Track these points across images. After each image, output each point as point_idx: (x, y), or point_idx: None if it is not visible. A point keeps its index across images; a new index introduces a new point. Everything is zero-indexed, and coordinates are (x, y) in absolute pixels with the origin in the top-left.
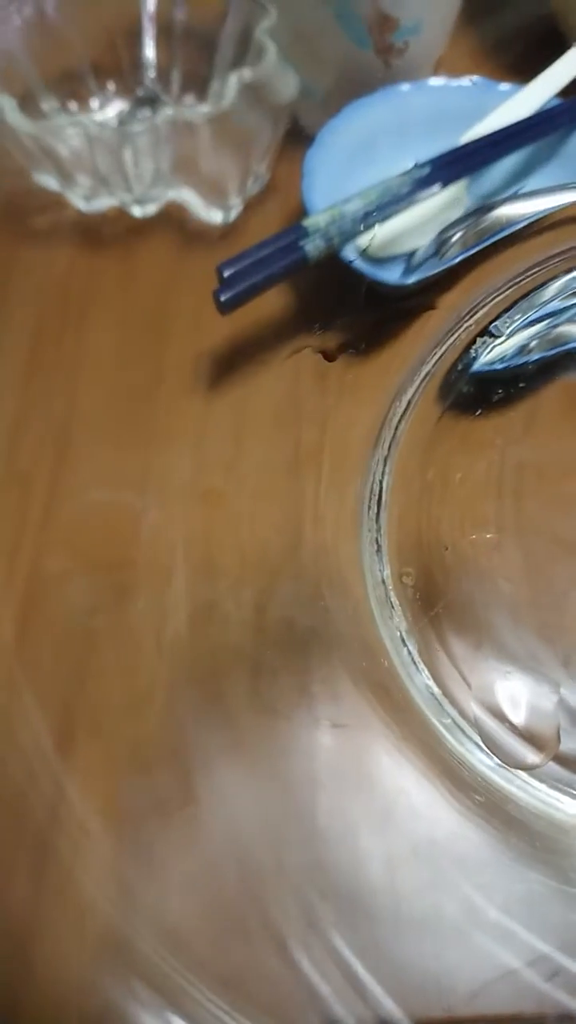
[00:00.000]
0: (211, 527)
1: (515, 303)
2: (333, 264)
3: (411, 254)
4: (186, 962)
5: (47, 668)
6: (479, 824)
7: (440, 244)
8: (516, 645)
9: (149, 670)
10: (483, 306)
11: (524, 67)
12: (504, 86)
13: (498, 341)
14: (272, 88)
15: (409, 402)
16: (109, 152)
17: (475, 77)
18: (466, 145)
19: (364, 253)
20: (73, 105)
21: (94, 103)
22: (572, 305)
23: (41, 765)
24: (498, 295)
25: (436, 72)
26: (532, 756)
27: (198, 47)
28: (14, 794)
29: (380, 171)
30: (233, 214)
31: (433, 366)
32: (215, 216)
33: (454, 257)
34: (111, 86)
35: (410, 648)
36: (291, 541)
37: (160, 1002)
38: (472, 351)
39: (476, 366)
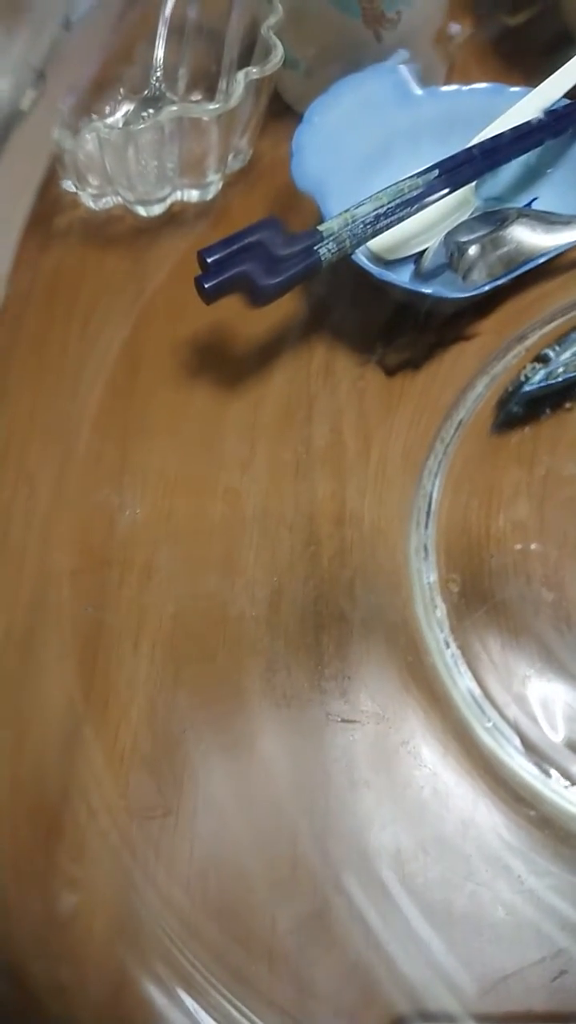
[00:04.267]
0: (228, 523)
1: (566, 334)
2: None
3: (419, 255)
4: (197, 948)
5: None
6: (513, 820)
7: (451, 249)
8: (559, 652)
9: (154, 661)
10: (532, 333)
11: (535, 70)
12: (515, 89)
13: (549, 367)
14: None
15: (461, 421)
16: (115, 152)
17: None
18: (476, 146)
19: (372, 256)
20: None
21: (106, 108)
22: None
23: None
24: (547, 324)
25: (448, 81)
26: (568, 760)
27: (205, 45)
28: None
29: (375, 156)
30: (212, 191)
31: (485, 388)
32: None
33: (486, 284)
34: (121, 90)
35: (454, 650)
36: (306, 538)
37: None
38: (522, 375)
39: (527, 387)
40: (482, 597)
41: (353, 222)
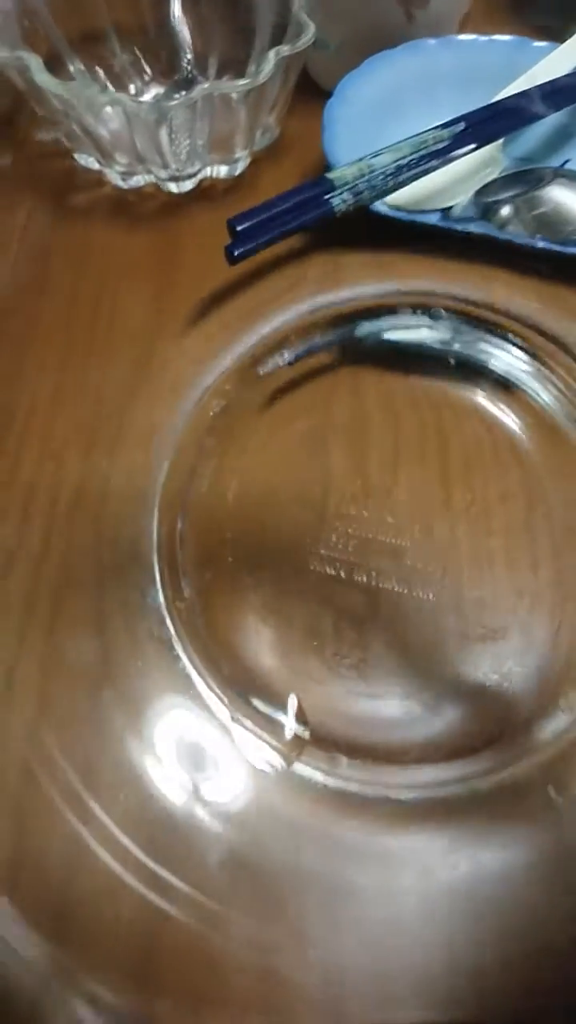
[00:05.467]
0: None
1: None
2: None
3: (445, 210)
4: None
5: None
6: None
7: (483, 208)
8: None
9: None
10: None
11: (551, 27)
12: (540, 43)
13: None
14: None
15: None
16: (146, 129)
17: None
18: (503, 101)
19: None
20: (99, 70)
21: (132, 88)
22: None
23: None
24: None
25: (462, 31)
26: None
27: (235, 30)
28: None
29: (407, 128)
30: (240, 167)
31: None
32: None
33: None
34: (148, 72)
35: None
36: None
37: None
38: None
39: None
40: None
41: (371, 172)
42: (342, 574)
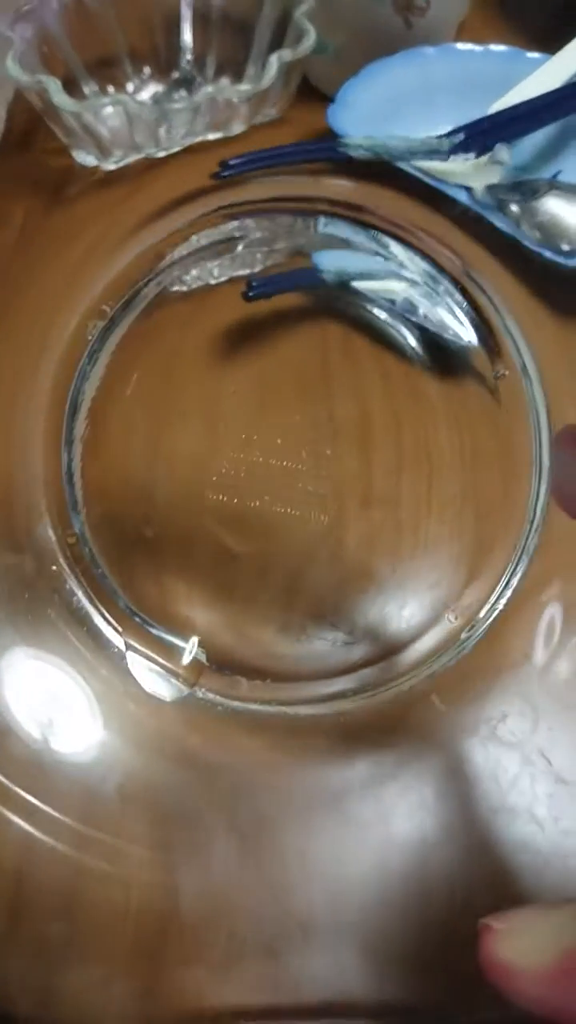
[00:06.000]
0: None
1: None
2: None
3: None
4: None
5: None
6: None
7: (497, 202)
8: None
9: None
10: None
11: (546, 37)
12: (533, 55)
13: None
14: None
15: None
16: (147, 128)
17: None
18: (500, 113)
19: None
20: (111, 88)
21: (130, 86)
22: None
23: None
24: None
25: (459, 38)
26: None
27: (234, 31)
28: None
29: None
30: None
31: None
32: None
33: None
34: (147, 70)
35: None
36: None
37: None
38: None
39: None
40: None
41: (385, 148)
42: (235, 500)
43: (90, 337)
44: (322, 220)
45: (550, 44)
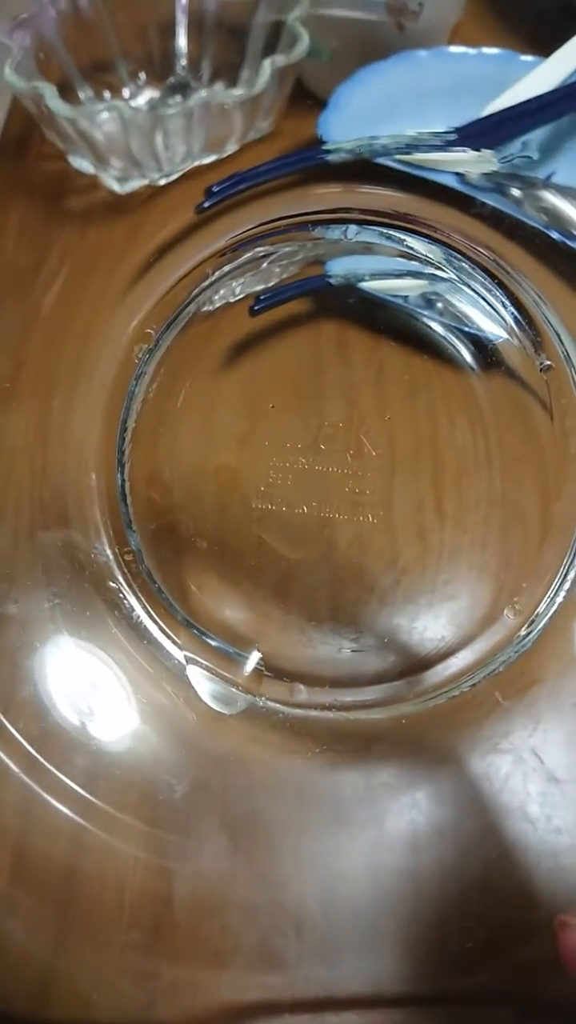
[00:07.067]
0: None
1: None
2: None
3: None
4: None
5: None
6: None
7: (496, 186)
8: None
9: None
10: None
11: (540, 39)
12: (527, 57)
13: None
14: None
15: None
16: (142, 135)
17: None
18: (491, 116)
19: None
20: (107, 94)
21: (126, 92)
22: None
23: None
24: None
25: (452, 41)
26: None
27: (228, 37)
28: None
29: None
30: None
31: None
32: None
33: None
34: (143, 76)
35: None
36: None
37: None
38: None
39: None
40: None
41: (370, 148)
42: (283, 508)
43: (136, 360)
44: (353, 228)
45: (544, 47)
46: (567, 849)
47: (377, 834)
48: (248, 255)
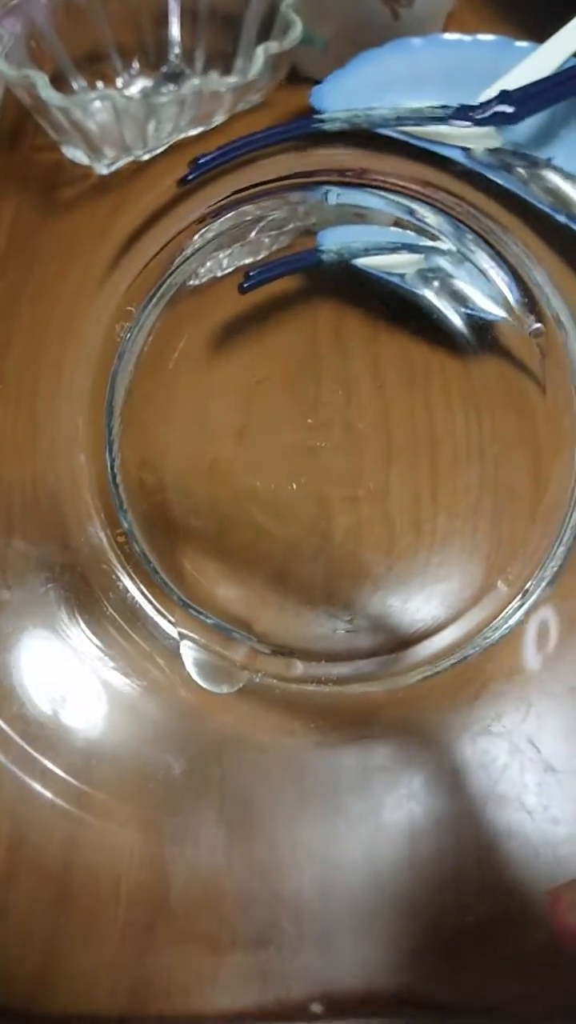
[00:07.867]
0: None
1: None
2: None
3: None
4: None
5: None
6: None
7: (501, 163)
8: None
9: None
10: None
11: (535, 25)
12: (522, 44)
13: None
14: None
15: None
16: (136, 124)
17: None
18: (490, 102)
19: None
20: (100, 83)
21: (119, 81)
22: None
23: None
24: None
25: (447, 28)
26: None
27: (222, 25)
28: None
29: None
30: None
31: None
32: None
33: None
34: (136, 64)
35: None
36: None
37: None
38: None
39: None
40: None
41: (367, 118)
42: (272, 485)
43: (119, 339)
44: (334, 192)
45: (539, 33)
46: (564, 839)
47: (375, 823)
48: (232, 218)
